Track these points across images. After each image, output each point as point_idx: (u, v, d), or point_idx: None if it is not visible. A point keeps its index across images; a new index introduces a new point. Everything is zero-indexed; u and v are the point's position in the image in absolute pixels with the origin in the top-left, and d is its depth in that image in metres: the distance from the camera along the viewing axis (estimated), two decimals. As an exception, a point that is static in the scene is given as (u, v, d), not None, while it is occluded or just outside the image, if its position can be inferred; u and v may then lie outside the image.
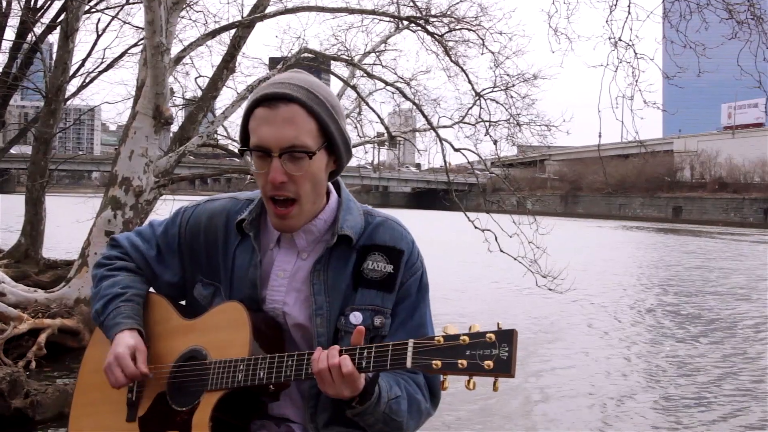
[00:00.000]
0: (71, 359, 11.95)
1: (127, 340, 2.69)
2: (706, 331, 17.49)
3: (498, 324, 2.15)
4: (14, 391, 8.48)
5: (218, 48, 19.05)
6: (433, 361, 2.17)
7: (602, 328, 17.63)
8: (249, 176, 17.12)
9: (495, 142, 19.71)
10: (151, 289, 2.92)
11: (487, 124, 19.64)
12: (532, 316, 18.59)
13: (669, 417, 10.42)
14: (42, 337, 11.54)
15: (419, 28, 18.36)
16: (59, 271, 16.36)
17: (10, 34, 22.12)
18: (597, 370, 13.19)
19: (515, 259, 16.28)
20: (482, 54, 19.24)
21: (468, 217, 16.79)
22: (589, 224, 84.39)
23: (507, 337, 2.12)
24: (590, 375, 12.74)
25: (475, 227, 16.65)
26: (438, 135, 18.94)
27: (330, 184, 2.76)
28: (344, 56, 19.21)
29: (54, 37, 20.69)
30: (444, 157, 19.38)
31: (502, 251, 16.20)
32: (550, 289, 16.48)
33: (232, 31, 15.37)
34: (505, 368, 2.09)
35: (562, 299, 18.06)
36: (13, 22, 21.55)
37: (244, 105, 2.61)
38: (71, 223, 17.09)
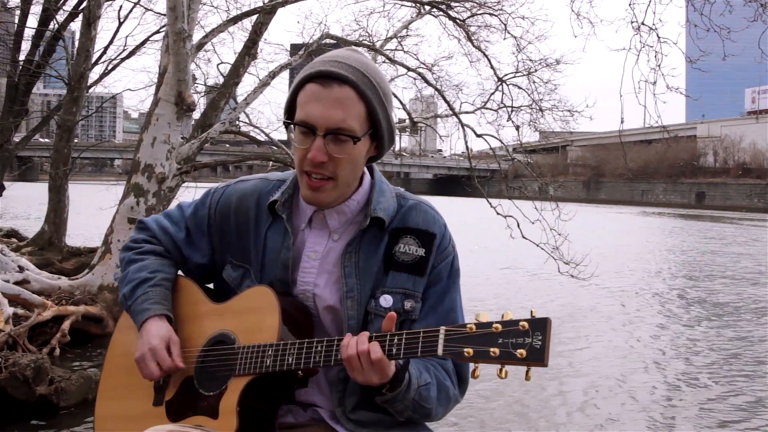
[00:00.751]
0: (95, 346, 11.99)
1: (160, 331, 2.66)
2: (724, 316, 17.39)
3: (531, 312, 2.11)
4: (39, 378, 8.50)
5: (240, 34, 19.09)
6: (465, 349, 2.14)
7: (624, 314, 17.54)
8: (271, 163, 17.13)
9: (517, 128, 19.65)
10: (180, 273, 2.89)
11: (510, 109, 19.58)
12: (555, 302, 18.51)
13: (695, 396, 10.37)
14: (66, 324, 11.58)
15: (441, 12, 18.32)
16: (82, 258, 16.41)
17: (32, 21, 22.19)
18: (620, 356, 13.13)
19: (537, 245, 16.24)
20: (504, 39, 19.18)
21: (490, 203, 16.75)
22: (611, 210, 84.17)
23: (540, 325, 2.08)
24: (612, 361, 12.68)
25: (498, 213, 16.61)
26: (460, 120, 18.88)
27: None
28: (366, 42, 19.14)
29: (76, 25, 20.78)
30: (466, 142, 19.32)
31: (524, 237, 16.16)
32: (572, 276, 16.45)
33: (254, 17, 15.36)
34: (538, 357, 2.05)
35: (584, 285, 17.98)
36: (36, 9, 21.61)
37: (298, 77, 2.54)
38: (94, 210, 17.16)
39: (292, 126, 2.55)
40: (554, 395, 10.40)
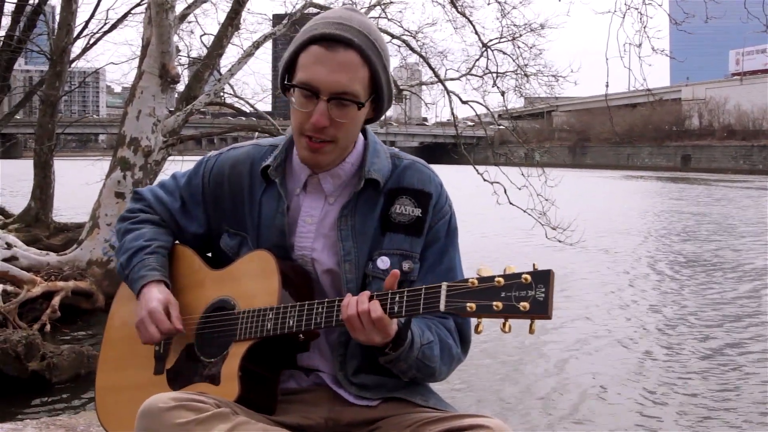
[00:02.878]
0: (85, 321, 11.99)
1: (157, 294, 2.64)
2: (711, 274, 17.49)
3: (534, 265, 2.09)
4: (30, 354, 8.51)
5: (223, 5, 19.05)
6: (468, 304, 2.11)
7: (613, 280, 17.61)
8: (257, 134, 17.06)
9: (503, 94, 19.66)
10: (177, 242, 2.87)
11: (495, 75, 19.55)
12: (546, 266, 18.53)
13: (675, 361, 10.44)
14: (56, 300, 11.57)
15: (425, -21, 18.21)
16: (70, 233, 16.35)
17: (12, -4, 22.00)
18: (611, 321, 13.19)
19: (524, 211, 16.27)
20: (489, 4, 19.14)
21: (477, 170, 16.76)
22: (597, 175, 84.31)
23: (543, 277, 2.05)
24: (604, 328, 12.74)
25: (485, 180, 16.62)
26: (445, 87, 18.87)
27: None
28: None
29: (57, -1, 20.57)
30: (452, 109, 19.30)
31: (511, 203, 16.20)
32: (559, 241, 16.49)
33: (237, -13, 15.24)
34: (541, 309, 2.03)
35: (572, 250, 18.04)
36: (16, -16, 21.42)
37: (299, 38, 2.49)
38: (80, 185, 17.09)
39: (290, 88, 2.51)
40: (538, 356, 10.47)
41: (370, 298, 2.29)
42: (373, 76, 2.49)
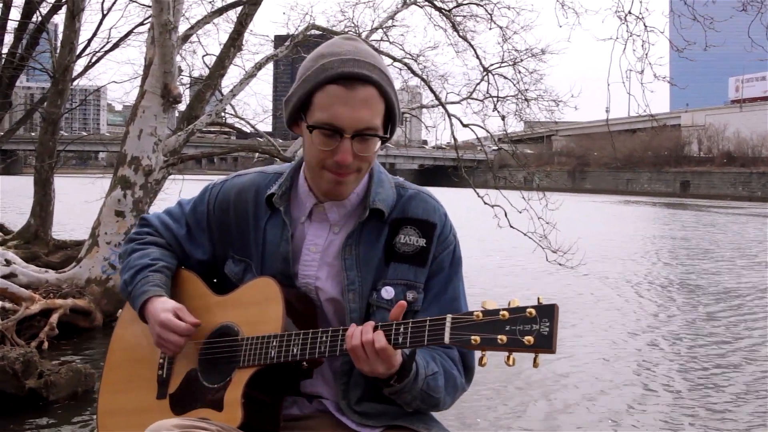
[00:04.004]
0: (83, 339, 11.97)
1: (162, 305, 2.66)
2: (710, 299, 17.49)
3: (539, 298, 2.10)
4: (28, 372, 8.48)
5: (225, 26, 19.06)
6: (472, 337, 2.13)
7: (613, 302, 17.60)
8: (257, 155, 17.09)
9: (503, 118, 19.69)
10: (183, 267, 2.88)
11: (495, 99, 19.60)
12: (546, 291, 18.55)
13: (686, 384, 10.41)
14: (54, 318, 11.55)
15: (427, 2, 18.31)
16: (69, 251, 16.33)
17: (15, 14, 22.06)
18: (609, 339, 13.17)
19: (525, 234, 16.29)
20: (490, 29, 19.21)
21: (477, 193, 16.80)
22: (596, 200, 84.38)
23: (548, 312, 2.07)
24: (602, 344, 12.72)
25: (485, 203, 16.65)
26: (446, 110, 18.91)
27: None
28: (352, 32, 19.11)
29: (60, 17, 20.61)
30: (453, 132, 19.33)
31: (512, 227, 16.20)
32: (560, 264, 16.50)
33: (239, 9, 15.30)
34: (546, 344, 2.04)
35: (573, 274, 18.03)
36: (19, 1, 21.49)
37: (313, 77, 2.49)
38: (80, 203, 17.09)
39: (307, 126, 2.52)
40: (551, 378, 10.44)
41: (375, 329, 2.29)
42: (389, 108, 2.52)
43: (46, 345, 11.19)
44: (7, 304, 11.22)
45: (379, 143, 2.54)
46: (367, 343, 2.28)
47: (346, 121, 2.45)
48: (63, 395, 8.72)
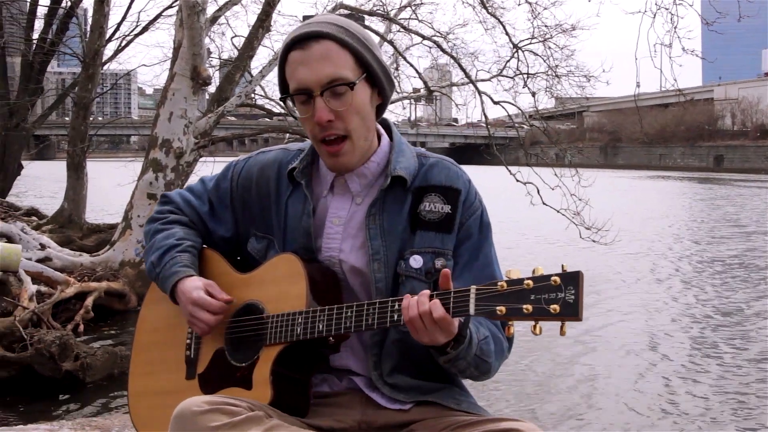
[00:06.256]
0: (118, 321, 12.07)
1: (192, 284, 2.64)
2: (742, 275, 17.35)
3: (563, 266, 2.08)
4: (64, 354, 8.57)
5: (253, 7, 19.09)
6: (498, 307, 2.11)
7: (647, 278, 17.50)
8: (288, 135, 17.11)
9: (533, 94, 19.61)
10: (205, 245, 2.87)
11: (526, 76, 19.50)
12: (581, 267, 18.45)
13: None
14: (89, 300, 11.66)
15: (455, -21, 18.22)
16: (103, 234, 16.47)
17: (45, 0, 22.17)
18: (643, 317, 13.12)
19: (558, 211, 16.21)
20: (519, 5, 19.09)
21: (509, 171, 16.72)
22: (629, 175, 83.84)
23: (573, 279, 2.04)
24: (637, 321, 12.68)
25: (517, 180, 16.58)
26: (477, 88, 18.83)
27: (381, 127, 2.70)
28: (380, 11, 19.08)
29: (89, 2, 20.75)
30: (483, 110, 19.27)
31: (544, 204, 16.13)
32: (594, 241, 16.42)
33: (267, -11, 15.28)
34: (572, 312, 2.02)
35: (606, 250, 17.94)
36: (49, -13, 21.60)
37: (281, 56, 2.54)
38: (112, 187, 17.21)
39: (292, 101, 2.54)
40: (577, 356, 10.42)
41: (430, 298, 2.27)
42: (357, 57, 2.50)
43: (81, 328, 11.30)
44: (43, 288, 11.32)
45: (358, 96, 2.51)
46: (425, 314, 2.26)
47: (309, 80, 2.46)
48: (99, 377, 8.82)
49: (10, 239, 11.81)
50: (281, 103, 17.76)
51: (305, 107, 2.50)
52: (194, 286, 2.63)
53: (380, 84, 2.58)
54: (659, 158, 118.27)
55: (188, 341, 2.72)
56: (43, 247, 12.33)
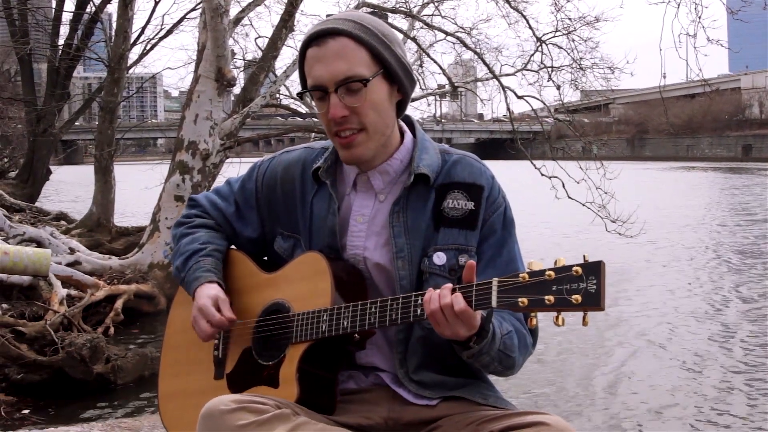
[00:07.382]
0: (148, 323, 12.14)
1: (207, 291, 2.67)
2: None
3: (584, 256, 2.08)
4: (95, 357, 8.62)
5: (276, 7, 19.11)
6: (520, 299, 2.11)
7: (674, 271, 17.41)
8: (314, 134, 17.15)
9: (558, 87, 19.56)
10: (232, 246, 2.90)
11: (550, 69, 19.45)
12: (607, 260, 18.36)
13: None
14: (119, 303, 11.74)
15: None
16: (131, 237, 16.57)
17: (69, 5, 22.34)
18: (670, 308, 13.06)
19: (584, 204, 16.17)
20: (542, -2, 19.03)
21: (534, 165, 16.70)
22: (656, 166, 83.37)
23: (594, 269, 2.04)
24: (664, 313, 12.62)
25: (542, 174, 16.56)
26: (501, 83, 18.82)
27: (404, 124, 2.70)
28: (403, 8, 19.08)
29: (113, 6, 20.87)
30: (508, 105, 19.25)
31: (570, 197, 16.10)
32: (620, 234, 16.36)
33: (290, -10, 15.31)
34: (594, 301, 2.02)
35: (633, 243, 17.86)
36: (73, -7, 21.75)
37: (299, 54, 2.56)
38: (140, 190, 17.31)
39: (310, 98, 2.57)
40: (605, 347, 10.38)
41: (452, 291, 2.28)
42: (373, 53, 2.50)
43: (112, 330, 11.38)
44: (73, 292, 11.42)
45: (374, 93, 2.51)
46: (446, 307, 2.26)
47: (324, 76, 2.47)
48: (130, 379, 8.86)
49: (39, 244, 11.91)
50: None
51: (321, 103, 2.52)
52: (206, 294, 2.67)
53: (399, 80, 2.57)
54: (687, 149, 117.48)
55: (216, 341, 2.75)
56: (72, 251, 12.43)
